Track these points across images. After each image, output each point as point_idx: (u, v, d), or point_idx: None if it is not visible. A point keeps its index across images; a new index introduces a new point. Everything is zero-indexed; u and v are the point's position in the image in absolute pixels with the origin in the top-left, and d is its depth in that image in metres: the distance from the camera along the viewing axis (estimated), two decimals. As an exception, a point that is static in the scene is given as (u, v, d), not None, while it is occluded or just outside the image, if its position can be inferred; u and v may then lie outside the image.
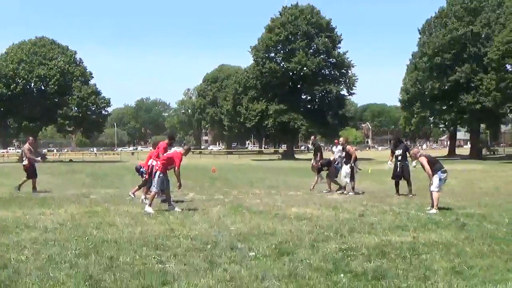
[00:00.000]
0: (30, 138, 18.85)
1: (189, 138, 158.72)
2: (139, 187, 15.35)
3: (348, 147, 16.79)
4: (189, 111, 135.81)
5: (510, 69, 45.22)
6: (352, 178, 16.30)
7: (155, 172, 12.67)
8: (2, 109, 62.56)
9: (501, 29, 47.68)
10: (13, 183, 22.05)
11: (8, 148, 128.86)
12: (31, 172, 17.68)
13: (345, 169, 16.35)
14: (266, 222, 10.40)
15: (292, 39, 62.66)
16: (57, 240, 8.57)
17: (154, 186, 12.73)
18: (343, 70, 63.97)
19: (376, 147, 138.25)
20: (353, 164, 16.28)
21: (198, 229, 9.67)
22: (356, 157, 16.67)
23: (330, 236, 8.79)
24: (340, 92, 64.75)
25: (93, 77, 69.49)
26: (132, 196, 15.20)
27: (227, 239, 8.56)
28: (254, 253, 7.46)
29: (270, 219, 10.88)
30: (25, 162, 17.70)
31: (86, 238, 8.74)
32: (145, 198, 14.02)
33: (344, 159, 16.59)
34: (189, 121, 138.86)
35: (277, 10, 66.45)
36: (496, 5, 53.93)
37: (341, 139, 18.02)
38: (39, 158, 18.47)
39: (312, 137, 18.27)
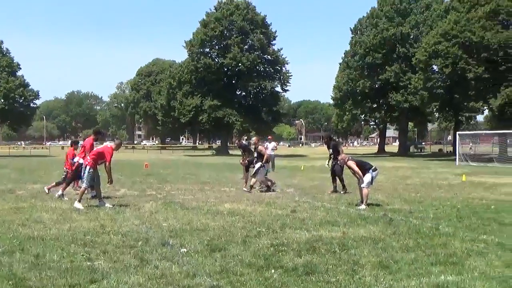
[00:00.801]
0: None
1: (122, 133, 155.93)
2: (57, 184, 15.03)
3: (259, 147, 16.85)
4: (122, 105, 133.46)
5: (436, 70, 46.96)
6: (255, 175, 16.34)
7: (85, 167, 12.39)
8: None
9: (429, 30, 49.55)
10: None
11: None
12: None
13: (256, 166, 16.41)
14: (199, 218, 10.37)
15: (227, 34, 62.62)
16: (-21, 237, 8.23)
17: (83, 181, 12.46)
18: (278, 67, 64.48)
19: (310, 143, 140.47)
20: (264, 164, 16.33)
21: (129, 225, 9.52)
22: (268, 157, 16.73)
23: (262, 231, 8.85)
24: (275, 88, 65.31)
25: (20, 68, 67.12)
26: (46, 191, 14.81)
27: (159, 236, 8.47)
28: (185, 250, 7.42)
29: (202, 215, 10.85)
30: None
31: (11, 235, 8.43)
32: (63, 195, 13.83)
33: (256, 159, 16.69)
34: (122, 115, 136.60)
35: (213, 5, 66.32)
36: (424, 7, 55.93)
37: (253, 138, 18.15)
38: None
39: (236, 141, 18.21)
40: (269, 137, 30.29)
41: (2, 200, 13.36)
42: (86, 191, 12.72)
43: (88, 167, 12.25)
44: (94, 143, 14.37)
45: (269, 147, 26.54)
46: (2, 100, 62.55)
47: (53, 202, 12.99)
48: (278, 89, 66.46)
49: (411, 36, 55.15)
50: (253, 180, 16.21)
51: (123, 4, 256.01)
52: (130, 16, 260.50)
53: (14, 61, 66.30)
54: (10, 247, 7.54)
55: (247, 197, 14.59)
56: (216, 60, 62.99)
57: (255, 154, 16.80)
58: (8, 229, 8.97)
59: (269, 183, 16.64)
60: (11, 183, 18.65)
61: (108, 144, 13.46)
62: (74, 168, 14.12)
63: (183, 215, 10.91)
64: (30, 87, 65.61)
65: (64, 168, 15.36)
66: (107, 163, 12.29)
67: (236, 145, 18.48)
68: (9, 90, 61.64)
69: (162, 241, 8.01)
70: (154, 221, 10.02)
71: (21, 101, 64.51)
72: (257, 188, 16.70)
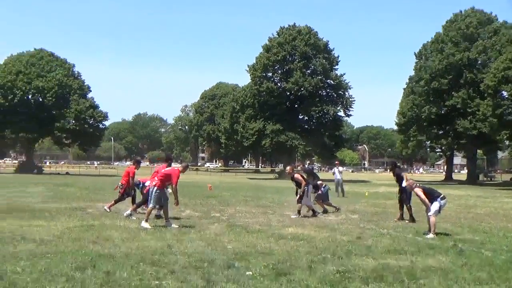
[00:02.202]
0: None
1: (186, 155, 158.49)
2: (115, 201, 15.52)
3: (295, 175, 16.68)
4: (186, 127, 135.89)
5: (506, 96, 45.46)
6: (299, 201, 16.19)
7: (153, 187, 12.71)
8: (-1, 120, 62.53)
9: (497, 56, 48.05)
10: (8, 194, 22.06)
11: (5, 159, 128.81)
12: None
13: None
14: (263, 242, 10.39)
15: (290, 59, 62.96)
16: (54, 252, 8.56)
17: (151, 201, 12.76)
18: (340, 92, 64.20)
19: (373, 169, 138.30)
20: (306, 188, 16.16)
21: (195, 246, 9.66)
22: (306, 183, 16.44)
23: (327, 257, 8.78)
24: (337, 113, 65.00)
25: (91, 90, 69.77)
26: (108, 210, 15.32)
27: (224, 258, 8.54)
28: (251, 273, 7.44)
29: (266, 239, 10.86)
30: None
31: (83, 251, 8.73)
32: (131, 214, 14.26)
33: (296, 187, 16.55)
34: (185, 138, 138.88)
35: (275, 30, 66.87)
36: (493, 32, 54.43)
37: (287, 168, 17.91)
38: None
39: (288, 168, 17.89)
40: (336, 162, 30.52)
41: (74, 218, 13.83)
42: (152, 211, 13.02)
43: (155, 188, 12.56)
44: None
45: (336, 172, 26.58)
46: (73, 121, 65.04)
47: (122, 221, 13.35)
48: (341, 113, 66.16)
49: (479, 62, 53.74)
50: (299, 205, 16.09)
51: (189, 29, 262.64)
52: (195, 41, 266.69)
53: (85, 84, 69.01)
54: (82, 263, 7.80)
55: (310, 222, 14.51)
56: (279, 84, 63.41)
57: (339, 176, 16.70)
58: (80, 246, 9.28)
59: (316, 209, 16.56)
60: (82, 201, 19.29)
61: (176, 166, 13.78)
62: (145, 191, 14.47)
63: (247, 237, 10.96)
64: (99, 109, 68.00)
65: (120, 184, 15.75)
66: (174, 185, 12.55)
67: (300, 169, 18.11)
68: (80, 111, 64.10)
69: (227, 263, 8.07)
70: (218, 243, 10.12)
71: (91, 122, 66.88)
72: (303, 212, 16.43)
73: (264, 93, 61.65)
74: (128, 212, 14.36)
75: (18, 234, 10.42)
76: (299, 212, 15.95)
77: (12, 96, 62.34)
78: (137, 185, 15.92)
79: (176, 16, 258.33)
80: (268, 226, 13.14)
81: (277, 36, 65.11)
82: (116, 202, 15.63)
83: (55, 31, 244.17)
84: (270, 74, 64.87)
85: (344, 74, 64.51)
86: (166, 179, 12.66)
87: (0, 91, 62.38)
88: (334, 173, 27.22)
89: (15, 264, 7.57)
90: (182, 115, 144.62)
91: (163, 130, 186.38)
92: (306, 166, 18.22)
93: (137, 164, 16.25)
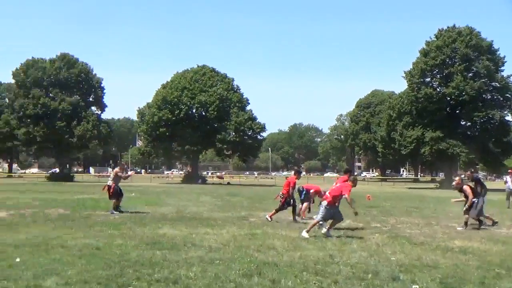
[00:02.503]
0: (123, 163, 20.12)
1: (342, 164, 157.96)
2: (276, 211, 15.85)
3: (464, 187, 15.55)
4: (342, 136, 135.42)
5: None
6: (466, 212, 15.12)
7: (323, 201, 12.83)
8: (167, 133, 67.04)
9: None
10: (177, 203, 23.56)
11: (172, 170, 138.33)
12: (114, 194, 18.21)
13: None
14: (428, 254, 10.00)
15: (449, 62, 60.02)
16: (222, 259, 8.97)
17: (319, 215, 12.80)
18: (508, 95, 59.89)
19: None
20: (475, 200, 15.07)
21: (357, 257, 9.56)
22: (474, 195, 15.29)
23: (501, 273, 8.20)
24: (504, 117, 60.64)
25: (249, 103, 72.25)
26: (269, 219, 15.68)
27: (388, 270, 8.35)
28: (417, 286, 7.20)
29: (431, 251, 10.45)
30: (109, 182, 18.29)
31: (249, 259, 9.04)
32: (301, 218, 14.71)
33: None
34: (341, 147, 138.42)
35: (433, 33, 64.03)
36: None
37: (455, 178, 16.75)
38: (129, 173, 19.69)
39: (457, 179, 16.81)
40: (510, 170, 28.67)
41: (238, 226, 14.39)
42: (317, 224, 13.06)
43: (325, 203, 12.64)
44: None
45: (508, 181, 25.23)
46: (234, 133, 67.88)
47: (283, 230, 13.62)
48: (509, 118, 61.63)
49: None
50: (466, 216, 15.16)
51: (342, 37, 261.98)
52: (349, 49, 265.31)
53: (244, 97, 71.75)
54: (248, 270, 8.08)
55: (478, 234, 13.68)
56: (438, 89, 60.71)
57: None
58: (245, 254, 9.63)
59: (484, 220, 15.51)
60: (244, 211, 20.03)
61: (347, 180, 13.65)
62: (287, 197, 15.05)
63: (411, 249, 10.63)
64: (257, 120, 70.23)
65: (281, 193, 16.09)
66: (348, 198, 12.44)
67: (466, 178, 17.14)
68: (240, 123, 66.74)
69: (392, 275, 7.88)
70: (382, 254, 9.92)
71: (249, 133, 69.27)
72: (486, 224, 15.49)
73: (422, 99, 59.45)
74: (325, 229, 14.41)
75: (189, 241, 11.08)
76: (466, 224, 15.12)
77: (178, 111, 66.72)
78: (300, 191, 16.37)
79: (328, 26, 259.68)
80: (432, 238, 12.63)
81: (435, 39, 62.47)
82: (277, 211, 16.04)
83: (216, 47, 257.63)
84: (428, 79, 62.44)
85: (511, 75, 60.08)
86: (338, 196, 12.67)
87: (168, 107, 67.04)
88: (506, 182, 25.72)
89: (188, 269, 8.06)
90: (338, 124, 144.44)
91: (319, 139, 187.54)
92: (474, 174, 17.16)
93: (297, 174, 16.61)
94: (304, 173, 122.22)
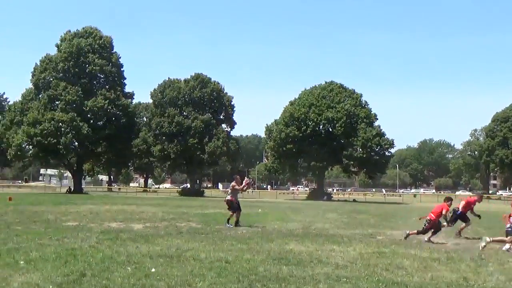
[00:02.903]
0: (237, 176, 19.84)
1: (476, 182, 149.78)
2: (418, 232, 15.46)
3: None
4: (476, 152, 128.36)
5: None
6: None
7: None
8: (294, 150, 67.68)
9: None
10: (303, 219, 23.63)
11: (298, 186, 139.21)
12: (233, 207, 18.64)
13: None
14: None
15: None
16: (349, 277, 8.84)
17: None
18: None
19: None
20: None
21: (494, 280, 8.98)
22: None
23: None
24: None
25: (377, 118, 71.06)
26: (405, 236, 15.38)
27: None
28: None
29: None
30: (228, 197, 18.77)
31: (377, 278, 8.82)
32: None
33: None
34: (475, 164, 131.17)
35: None
36: None
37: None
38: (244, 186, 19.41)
39: None
40: None
41: (365, 244, 14.11)
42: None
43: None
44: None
45: None
46: (360, 149, 66.99)
47: (413, 249, 13.16)
48: None
49: None
50: None
51: (475, 49, 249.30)
52: (483, 61, 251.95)
53: (372, 112, 70.65)
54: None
55: None
56: None
57: None
58: (373, 272, 9.41)
59: None
60: (371, 228, 19.63)
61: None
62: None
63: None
64: (385, 136, 68.78)
65: (428, 219, 15.39)
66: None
67: None
68: (367, 139, 65.76)
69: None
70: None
71: (377, 149, 68.01)
72: None
73: None
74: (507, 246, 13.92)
75: (315, 258, 11.04)
76: None
77: (305, 127, 67.21)
78: (455, 212, 16.08)
79: (461, 37, 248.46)
80: None
81: None
82: (419, 233, 15.40)
83: (344, 63, 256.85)
84: None
85: None
86: None
87: (295, 123, 67.79)
88: None
89: (314, 286, 8.04)
90: (472, 139, 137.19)
91: (450, 156, 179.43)
92: None
93: (449, 201, 15.81)
94: (434, 190, 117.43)
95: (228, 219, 18.61)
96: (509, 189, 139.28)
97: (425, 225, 15.29)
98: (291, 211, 31.52)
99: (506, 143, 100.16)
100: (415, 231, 15.49)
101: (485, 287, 8.37)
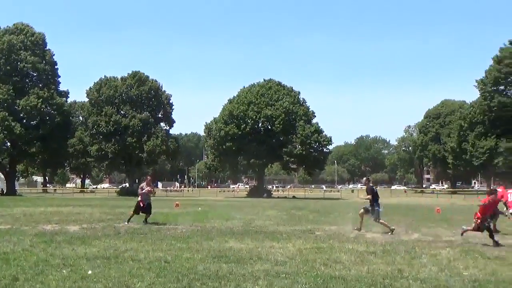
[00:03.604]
0: (148, 177, 20.28)
1: (410, 176, 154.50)
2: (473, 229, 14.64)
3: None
4: (410, 148, 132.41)
5: None
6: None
7: None
8: (233, 147, 67.73)
9: None
10: (243, 217, 23.67)
11: (238, 184, 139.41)
12: (138, 207, 18.96)
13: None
14: (504, 270, 9.57)
15: (526, 69, 57.79)
16: (288, 273, 8.92)
17: None
18: None
19: None
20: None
21: (427, 271, 9.28)
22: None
23: None
24: None
25: (315, 116, 72.10)
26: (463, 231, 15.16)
27: (461, 285, 8.06)
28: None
29: (506, 266, 9.99)
30: (139, 198, 19.17)
31: (315, 273, 8.94)
32: None
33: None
34: (409, 159, 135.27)
35: (507, 40, 61.73)
36: None
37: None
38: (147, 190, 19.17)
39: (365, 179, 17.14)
40: None
41: (304, 240, 14.28)
42: None
43: None
44: None
45: None
46: (299, 146, 67.79)
47: (350, 243, 13.42)
48: None
49: None
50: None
51: (409, 47, 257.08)
52: (416, 59, 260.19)
53: (310, 110, 71.60)
54: (314, 284, 8.00)
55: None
56: (513, 97, 58.65)
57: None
58: (311, 268, 9.54)
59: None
60: (310, 224, 19.89)
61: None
62: None
63: (484, 264, 10.22)
64: (323, 133, 69.85)
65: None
66: None
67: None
68: (306, 136, 66.60)
69: (465, 291, 7.59)
70: (453, 269, 9.60)
71: (315, 146, 68.98)
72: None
73: (496, 108, 57.46)
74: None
75: (255, 255, 11.08)
76: None
77: (244, 125, 67.38)
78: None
79: (395, 36, 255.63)
80: (509, 253, 12.08)
81: (510, 45, 60.24)
82: (474, 229, 14.63)
83: (282, 62, 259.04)
84: (502, 87, 60.29)
85: None
86: None
87: (234, 121, 67.86)
88: None
89: (254, 283, 8.06)
90: (406, 135, 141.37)
91: (386, 151, 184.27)
92: None
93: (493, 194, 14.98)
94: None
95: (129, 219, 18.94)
96: (442, 183, 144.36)
97: (476, 222, 14.26)
98: (231, 209, 31.52)
99: (438, 139, 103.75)
100: (471, 228, 14.73)
101: (418, 278, 8.62)
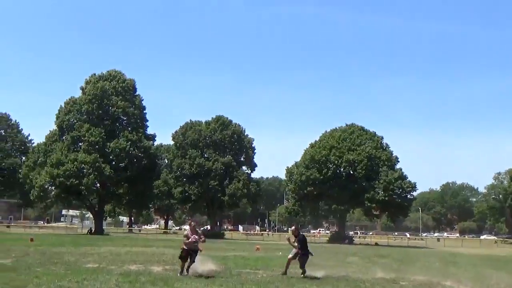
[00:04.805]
0: (192, 223, 18.08)
1: (501, 226, 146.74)
2: None
3: None
4: (500, 196, 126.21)
5: None
6: None
7: None
8: (315, 192, 67.31)
9: None
10: (323, 263, 23.28)
11: (319, 229, 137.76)
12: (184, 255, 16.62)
13: None
14: None
15: None
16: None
17: None
18: None
19: None
20: None
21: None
22: None
23: None
24: None
25: (398, 161, 70.49)
26: None
27: None
28: None
29: None
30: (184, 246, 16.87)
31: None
32: None
33: None
34: (500, 207, 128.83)
35: None
36: None
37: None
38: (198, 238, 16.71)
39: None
40: None
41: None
42: None
43: None
44: None
45: None
46: (382, 192, 66.29)
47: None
48: None
49: None
50: None
51: (498, 93, 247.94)
52: (506, 103, 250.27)
53: (393, 155, 70.23)
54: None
55: None
56: None
57: None
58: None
59: None
60: (393, 273, 19.25)
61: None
62: None
63: None
64: (407, 179, 68.10)
65: None
66: None
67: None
68: (389, 182, 65.16)
69: None
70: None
71: (399, 192, 67.20)
72: None
73: None
74: None
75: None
76: None
77: (326, 170, 66.99)
78: None
79: (485, 81, 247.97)
80: None
81: None
82: None
83: (365, 106, 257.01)
84: None
85: None
86: None
87: (316, 166, 67.62)
88: None
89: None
90: (495, 183, 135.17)
91: (474, 199, 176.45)
92: None
93: None
94: (457, 234, 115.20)
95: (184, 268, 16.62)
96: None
97: None
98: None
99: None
100: None
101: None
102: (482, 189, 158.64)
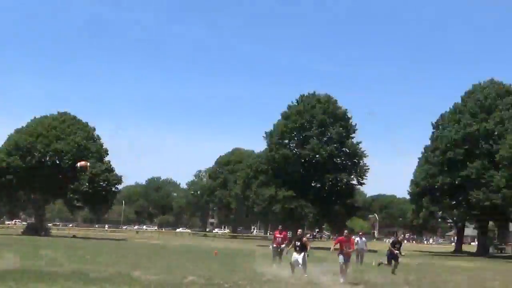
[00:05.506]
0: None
1: (195, 220, 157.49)
2: None
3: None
4: (199, 192, 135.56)
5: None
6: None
7: None
8: (14, 181, 62.93)
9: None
10: (12, 256, 21.91)
11: (15, 220, 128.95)
12: None
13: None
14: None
15: (307, 126, 62.73)
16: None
17: None
18: (355, 160, 63.78)
19: (383, 238, 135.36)
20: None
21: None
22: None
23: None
24: (351, 181, 64.54)
25: (108, 154, 69.94)
26: None
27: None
28: None
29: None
30: None
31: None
32: None
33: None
34: (197, 203, 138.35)
35: (295, 98, 66.72)
36: (510, 103, 54.97)
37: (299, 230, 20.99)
38: None
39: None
40: (360, 232, 31.35)
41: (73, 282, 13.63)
42: None
43: None
44: None
45: (359, 242, 27.32)
46: (87, 184, 64.87)
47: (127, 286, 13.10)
48: (354, 182, 65.56)
49: (495, 133, 53.72)
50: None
51: (208, 95, 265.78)
52: (212, 107, 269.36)
53: (103, 147, 69.58)
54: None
55: None
56: (294, 151, 63.37)
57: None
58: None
59: None
60: (87, 265, 19.09)
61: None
62: None
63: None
64: (114, 172, 68.13)
65: None
66: None
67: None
68: (95, 174, 64.12)
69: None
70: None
71: (104, 185, 66.75)
72: None
73: (279, 159, 61.66)
74: None
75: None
76: None
77: (30, 157, 63.09)
78: None
79: (194, 83, 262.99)
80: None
81: (296, 103, 65.33)
82: None
83: (79, 94, 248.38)
84: (286, 141, 64.83)
85: (360, 142, 64.03)
86: None
87: (19, 153, 63.22)
88: (356, 243, 27.19)
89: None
90: (196, 180, 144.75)
91: (175, 194, 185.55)
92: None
93: None
94: (156, 227, 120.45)
95: None
96: (224, 227, 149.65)
97: None
98: (1, 247, 28.85)
99: (226, 185, 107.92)
100: None
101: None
102: (184, 185, 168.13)
